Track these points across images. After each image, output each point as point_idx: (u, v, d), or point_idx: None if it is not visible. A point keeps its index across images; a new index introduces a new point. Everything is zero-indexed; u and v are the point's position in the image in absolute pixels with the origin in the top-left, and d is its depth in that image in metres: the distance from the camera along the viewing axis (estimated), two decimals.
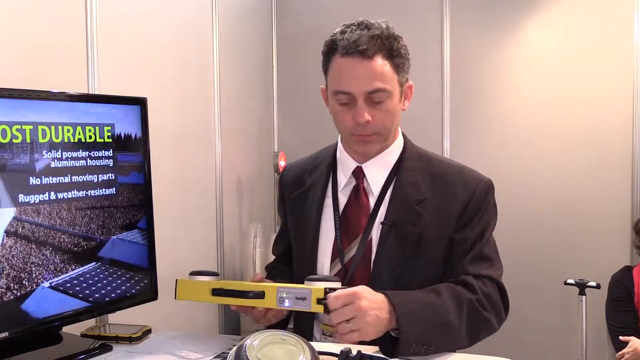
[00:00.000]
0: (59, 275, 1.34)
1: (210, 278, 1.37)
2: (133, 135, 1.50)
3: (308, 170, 1.57)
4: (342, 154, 1.51)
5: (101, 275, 1.43)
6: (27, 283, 1.28)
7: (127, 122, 1.49)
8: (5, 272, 1.23)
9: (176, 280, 1.40)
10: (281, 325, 1.49)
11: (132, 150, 1.50)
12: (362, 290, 1.25)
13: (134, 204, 1.50)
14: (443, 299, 1.32)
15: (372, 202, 1.45)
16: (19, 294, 1.26)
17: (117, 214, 1.46)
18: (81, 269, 1.39)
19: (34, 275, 1.29)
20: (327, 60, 1.42)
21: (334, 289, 1.23)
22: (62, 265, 1.35)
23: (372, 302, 1.24)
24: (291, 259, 1.59)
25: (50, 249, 1.32)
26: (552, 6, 3.14)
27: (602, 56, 3.06)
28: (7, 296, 1.24)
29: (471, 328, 1.34)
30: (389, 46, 1.36)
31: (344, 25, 1.41)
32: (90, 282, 1.41)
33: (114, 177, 1.45)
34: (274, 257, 1.76)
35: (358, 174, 1.48)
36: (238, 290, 1.31)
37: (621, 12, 3.03)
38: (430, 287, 1.36)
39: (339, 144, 1.53)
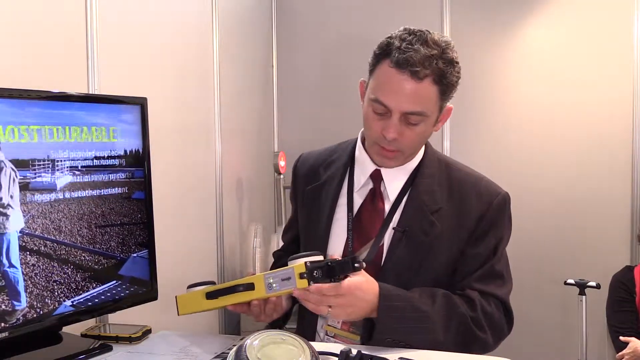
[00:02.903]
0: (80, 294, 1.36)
1: (206, 286, 1.37)
2: (132, 135, 1.50)
3: (324, 165, 1.54)
4: (361, 153, 1.48)
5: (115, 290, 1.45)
6: (49, 302, 1.29)
7: (127, 122, 1.49)
8: (28, 290, 1.24)
9: (175, 297, 1.40)
10: (283, 320, 1.49)
11: (132, 149, 1.50)
12: (350, 285, 1.24)
13: (133, 203, 1.50)
14: (434, 307, 1.32)
15: (387, 207, 1.43)
16: (42, 312, 1.27)
17: (117, 212, 1.46)
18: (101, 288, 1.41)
19: (56, 293, 1.30)
20: (377, 61, 1.36)
21: (316, 262, 1.22)
22: (83, 284, 1.36)
23: (353, 300, 1.24)
24: (299, 248, 1.57)
25: (72, 267, 1.33)
26: (552, 6, 3.14)
27: (602, 56, 3.06)
28: (30, 314, 1.25)
29: (460, 342, 1.33)
30: (442, 72, 1.31)
31: (405, 30, 1.34)
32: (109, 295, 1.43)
33: (113, 177, 1.45)
34: (276, 252, 1.75)
35: (376, 177, 1.45)
36: (229, 287, 1.32)
37: (621, 12, 3.03)
38: (430, 291, 1.35)
39: (359, 142, 1.50)
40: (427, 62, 1.29)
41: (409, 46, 1.29)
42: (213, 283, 1.39)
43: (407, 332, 1.29)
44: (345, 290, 1.23)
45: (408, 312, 1.29)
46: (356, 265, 1.23)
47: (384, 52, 1.33)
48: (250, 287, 1.28)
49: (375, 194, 1.44)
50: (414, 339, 1.29)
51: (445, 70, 1.32)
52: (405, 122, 1.33)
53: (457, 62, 1.36)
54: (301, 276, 1.21)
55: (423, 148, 1.48)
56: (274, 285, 1.25)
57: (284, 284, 1.23)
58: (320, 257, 1.25)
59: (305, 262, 1.21)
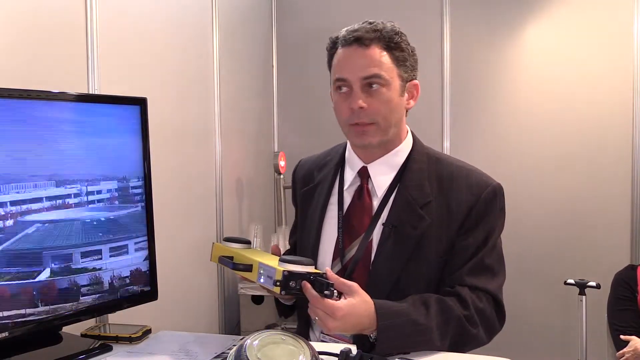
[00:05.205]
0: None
1: (239, 245, 1.41)
2: (132, 135, 1.50)
3: (318, 167, 1.58)
4: (350, 153, 1.51)
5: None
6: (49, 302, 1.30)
7: (127, 122, 1.49)
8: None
9: (213, 243, 1.46)
10: (289, 308, 1.52)
11: (132, 149, 1.50)
12: (344, 307, 1.20)
13: (133, 204, 1.50)
14: (430, 316, 1.30)
15: (375, 203, 1.44)
16: (42, 312, 1.29)
17: (117, 212, 1.46)
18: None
19: None
20: (330, 56, 1.45)
21: (296, 273, 1.19)
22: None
23: (344, 321, 1.21)
24: None
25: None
26: (552, 6, 3.14)
27: (603, 56, 3.06)
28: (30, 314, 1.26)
29: (456, 342, 1.33)
30: (388, 39, 1.38)
31: (346, 28, 1.43)
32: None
33: (113, 178, 1.45)
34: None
35: (363, 174, 1.47)
36: (233, 262, 1.34)
37: (621, 12, 3.03)
38: (422, 299, 1.33)
39: (348, 143, 1.54)
40: (372, 32, 1.38)
41: (354, 27, 1.41)
42: (248, 242, 1.44)
43: (406, 347, 1.28)
44: (338, 314, 1.20)
45: (407, 328, 1.27)
46: (326, 292, 1.20)
47: (334, 45, 1.43)
48: (248, 268, 1.30)
49: (363, 191, 1.46)
50: (411, 349, 1.29)
51: (392, 37, 1.39)
52: (368, 91, 1.38)
53: (405, 35, 1.42)
54: (274, 283, 1.20)
55: (411, 143, 1.49)
56: (262, 277, 1.25)
57: (268, 281, 1.23)
58: (310, 268, 1.23)
59: (283, 271, 1.19)
